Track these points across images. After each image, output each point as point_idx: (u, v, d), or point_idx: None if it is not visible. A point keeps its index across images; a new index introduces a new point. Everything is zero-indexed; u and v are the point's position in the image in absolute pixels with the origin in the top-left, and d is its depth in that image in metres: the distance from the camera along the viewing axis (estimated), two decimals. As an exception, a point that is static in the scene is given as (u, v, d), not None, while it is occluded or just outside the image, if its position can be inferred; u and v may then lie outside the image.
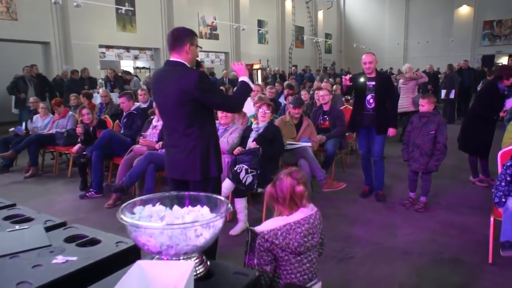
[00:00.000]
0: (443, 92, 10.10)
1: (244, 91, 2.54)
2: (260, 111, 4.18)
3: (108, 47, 14.46)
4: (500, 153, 3.37)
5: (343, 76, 4.35)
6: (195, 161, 2.41)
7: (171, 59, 2.44)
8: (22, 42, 11.71)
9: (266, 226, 1.82)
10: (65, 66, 12.09)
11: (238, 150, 3.90)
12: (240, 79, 2.57)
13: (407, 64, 8.35)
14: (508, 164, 2.96)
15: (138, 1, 14.66)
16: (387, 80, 4.54)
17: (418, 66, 22.58)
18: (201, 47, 2.60)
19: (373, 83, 4.24)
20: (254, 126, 4.19)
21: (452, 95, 10.01)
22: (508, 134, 4.12)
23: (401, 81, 7.99)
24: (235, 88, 2.64)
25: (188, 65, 2.42)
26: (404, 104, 7.76)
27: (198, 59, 2.64)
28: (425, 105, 4.07)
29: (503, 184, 2.94)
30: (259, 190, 3.70)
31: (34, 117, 6.34)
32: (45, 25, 11.95)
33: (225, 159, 4.00)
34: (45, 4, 11.78)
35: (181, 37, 2.41)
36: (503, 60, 23.24)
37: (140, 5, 14.75)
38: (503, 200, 2.92)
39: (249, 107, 5.41)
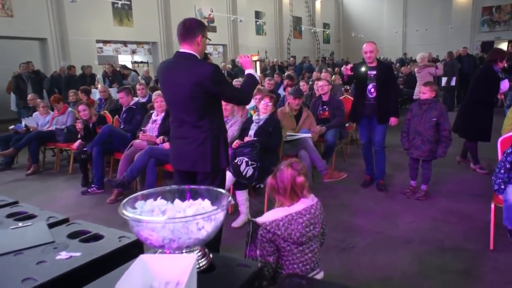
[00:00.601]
0: (444, 79, 10.03)
1: (252, 83, 2.60)
2: (263, 103, 4.16)
3: (105, 42, 14.39)
4: (500, 139, 3.37)
5: (344, 66, 4.33)
6: (205, 152, 2.43)
7: (182, 50, 2.43)
8: (18, 38, 11.66)
9: (267, 217, 1.84)
10: (62, 62, 12.05)
11: (236, 143, 3.90)
12: (247, 72, 2.61)
13: (421, 53, 8.78)
14: (508, 151, 2.97)
15: (134, -6, 14.57)
16: (388, 69, 4.52)
17: (418, 54, 22.51)
18: (210, 39, 2.63)
19: (374, 72, 4.22)
20: (255, 118, 4.17)
21: (453, 83, 9.97)
22: (508, 120, 4.12)
23: (416, 69, 8.44)
24: (243, 81, 2.68)
25: (199, 57, 2.44)
26: (418, 91, 8.04)
27: (206, 51, 2.67)
28: (427, 93, 4.06)
29: (502, 171, 2.96)
30: (261, 186, 3.71)
31: (34, 114, 6.34)
32: (41, 21, 11.89)
33: (226, 152, 4.00)
34: (40, 0, 11.71)
35: (193, 29, 2.41)
36: (503, 46, 23.09)
37: (137, -1, 14.65)
38: (503, 187, 2.95)
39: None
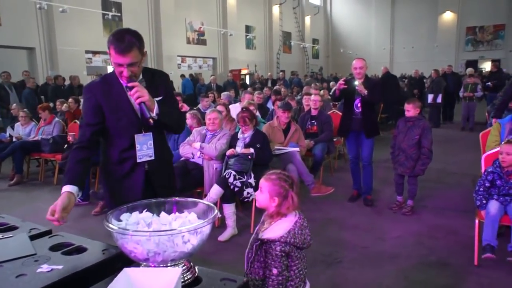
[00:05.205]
0: (430, 96, 10.21)
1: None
2: (241, 127, 4.17)
3: (94, 52, 14.33)
4: (484, 156, 3.44)
5: (340, 81, 4.36)
6: None
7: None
8: (6, 47, 11.53)
9: (280, 231, 1.75)
10: (50, 72, 11.94)
11: (231, 151, 3.87)
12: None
13: (470, 68, 10.85)
14: (489, 170, 3.11)
15: (125, 6, 14.59)
16: (375, 84, 4.59)
17: (404, 71, 22.97)
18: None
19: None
20: (240, 135, 4.16)
21: (439, 99, 10.15)
22: (492, 137, 4.20)
23: (467, 79, 10.05)
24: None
25: None
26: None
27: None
28: (410, 110, 4.12)
29: (481, 189, 3.11)
30: (249, 199, 3.69)
31: (16, 125, 6.25)
32: (30, 30, 11.80)
33: (214, 165, 3.99)
34: (30, 9, 11.63)
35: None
36: (486, 65, 23.72)
37: (127, 11, 14.69)
38: (484, 202, 3.07)
39: (237, 112, 5.40)
